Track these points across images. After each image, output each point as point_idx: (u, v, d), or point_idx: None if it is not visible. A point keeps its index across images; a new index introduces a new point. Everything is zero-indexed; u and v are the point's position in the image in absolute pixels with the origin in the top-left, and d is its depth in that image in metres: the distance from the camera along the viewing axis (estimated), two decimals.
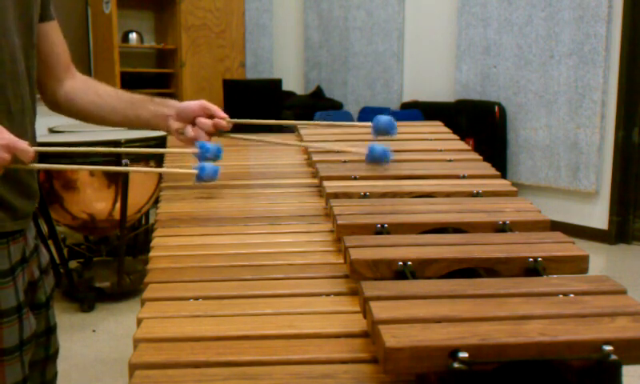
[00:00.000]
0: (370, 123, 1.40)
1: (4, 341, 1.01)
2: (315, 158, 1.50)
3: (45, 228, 3.06)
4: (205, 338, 0.79)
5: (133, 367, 0.73)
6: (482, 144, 4.55)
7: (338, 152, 1.51)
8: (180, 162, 1.60)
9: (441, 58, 5.11)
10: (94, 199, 3.02)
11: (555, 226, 1.06)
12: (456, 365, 0.63)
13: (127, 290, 3.24)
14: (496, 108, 4.57)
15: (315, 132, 1.82)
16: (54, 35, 1.20)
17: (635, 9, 4.02)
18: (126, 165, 2.89)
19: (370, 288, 0.78)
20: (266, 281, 0.97)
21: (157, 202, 1.38)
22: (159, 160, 2.73)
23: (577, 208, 4.35)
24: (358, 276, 0.89)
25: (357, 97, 5.74)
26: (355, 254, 0.91)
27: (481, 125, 4.62)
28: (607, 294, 0.79)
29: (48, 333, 1.17)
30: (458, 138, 1.69)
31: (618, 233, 4.21)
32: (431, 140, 1.68)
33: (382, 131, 1.39)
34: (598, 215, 4.26)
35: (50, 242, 3.08)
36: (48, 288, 1.18)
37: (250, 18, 6.15)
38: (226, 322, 0.83)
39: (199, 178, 1.27)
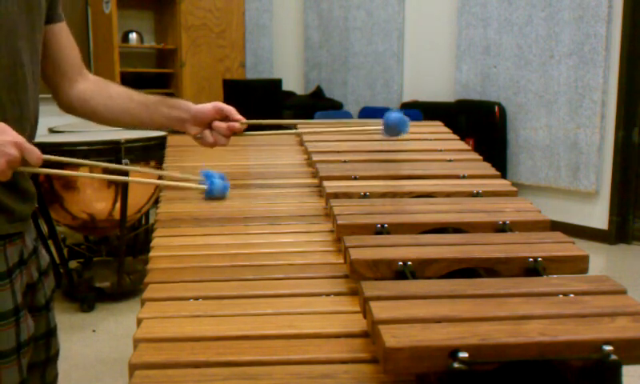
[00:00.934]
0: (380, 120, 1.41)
1: (0, 344, 1.01)
2: (315, 158, 1.50)
3: (45, 228, 3.06)
4: (205, 338, 0.79)
5: (133, 367, 0.73)
6: (482, 144, 4.55)
7: (354, 131, 1.51)
8: (180, 161, 1.60)
9: (441, 58, 5.11)
10: (94, 199, 3.01)
11: (555, 226, 1.06)
12: (456, 365, 0.63)
13: (127, 290, 3.24)
14: (496, 108, 4.57)
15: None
16: (64, 36, 1.19)
17: (635, 9, 4.02)
18: (126, 164, 2.89)
19: (370, 288, 0.78)
20: (266, 281, 0.98)
21: (157, 201, 1.38)
22: (159, 159, 2.72)
23: (577, 208, 4.35)
24: (357, 276, 0.89)
25: (357, 97, 5.74)
26: (355, 254, 0.91)
27: (481, 125, 4.61)
28: (607, 293, 0.79)
29: (48, 335, 1.17)
30: (458, 137, 1.70)
31: (618, 233, 4.21)
32: (431, 140, 1.68)
33: (393, 129, 1.39)
34: (597, 215, 4.26)
35: (50, 242, 3.08)
36: (48, 290, 1.17)
37: (250, 18, 6.15)
38: (226, 322, 0.83)
39: (209, 194, 1.26)
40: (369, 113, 5.42)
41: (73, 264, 3.44)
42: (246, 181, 1.48)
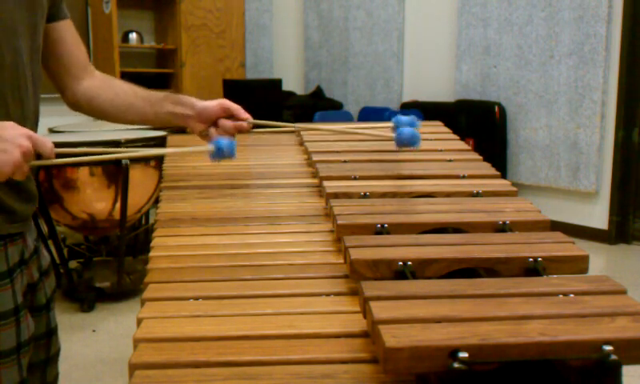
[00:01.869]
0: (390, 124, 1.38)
1: (0, 343, 1.01)
2: (315, 158, 1.50)
3: (45, 228, 3.06)
4: (205, 338, 0.79)
5: (133, 367, 0.73)
6: (482, 144, 4.55)
7: (364, 138, 1.51)
8: (180, 161, 1.60)
9: (441, 58, 5.11)
10: (94, 199, 3.01)
11: (555, 226, 1.06)
12: (456, 365, 0.63)
13: (127, 289, 3.24)
14: (496, 108, 4.57)
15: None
16: (69, 34, 1.19)
17: (635, 9, 4.02)
18: (126, 165, 2.89)
19: (370, 288, 0.78)
20: (266, 281, 0.98)
21: (157, 201, 1.38)
22: (159, 159, 2.72)
23: (577, 208, 4.35)
24: (357, 276, 0.89)
25: (357, 97, 5.74)
26: (355, 254, 0.91)
27: (481, 125, 4.61)
28: (607, 294, 0.79)
29: (49, 335, 1.17)
30: (458, 137, 1.70)
31: (618, 233, 4.21)
32: (431, 140, 1.68)
33: (404, 143, 1.35)
34: (597, 215, 4.26)
35: (50, 242, 3.08)
36: (48, 290, 1.17)
37: (249, 18, 6.15)
38: (226, 322, 0.83)
39: (216, 155, 1.22)
40: (369, 113, 5.42)
41: (73, 264, 3.44)
42: (246, 181, 1.48)
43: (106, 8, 5.14)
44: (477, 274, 0.92)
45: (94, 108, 1.24)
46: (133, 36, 5.69)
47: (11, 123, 0.92)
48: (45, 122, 1.15)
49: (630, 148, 4.15)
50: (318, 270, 1.01)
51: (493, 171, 1.44)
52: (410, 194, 1.28)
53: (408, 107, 5.19)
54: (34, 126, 1.09)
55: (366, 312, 0.75)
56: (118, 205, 3.02)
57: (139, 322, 0.83)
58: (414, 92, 5.31)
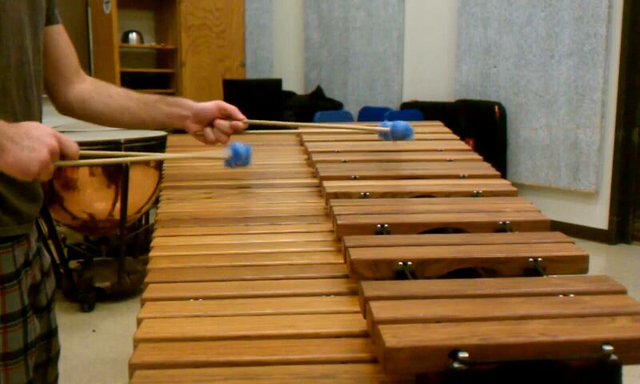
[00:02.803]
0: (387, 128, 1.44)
1: (8, 345, 1.01)
2: (315, 158, 1.50)
3: (45, 228, 3.06)
4: (205, 338, 0.79)
5: (133, 367, 0.73)
6: (482, 144, 4.55)
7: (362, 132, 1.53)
8: (180, 161, 1.60)
9: (441, 58, 5.11)
10: (94, 199, 3.01)
11: (555, 226, 1.06)
12: (456, 365, 0.63)
13: (127, 289, 3.24)
14: (496, 108, 4.57)
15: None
16: (61, 38, 1.19)
17: (635, 9, 4.02)
18: (126, 165, 2.89)
19: (369, 288, 0.78)
20: (266, 281, 0.97)
21: (157, 202, 1.38)
22: (159, 160, 2.72)
23: (577, 208, 4.35)
24: (357, 276, 0.89)
25: (357, 97, 5.74)
26: (355, 253, 0.91)
27: (481, 125, 4.61)
28: (607, 293, 0.79)
29: (49, 336, 1.17)
30: (458, 138, 1.69)
31: (618, 233, 4.21)
32: (431, 140, 1.68)
33: (398, 135, 1.41)
34: (597, 215, 4.26)
35: (50, 242, 3.08)
36: (49, 291, 1.17)
37: (249, 18, 6.15)
38: (226, 322, 0.83)
39: (233, 162, 1.23)
40: (369, 113, 5.42)
41: (73, 264, 3.44)
42: (246, 181, 1.48)
43: (106, 8, 5.14)
44: (477, 274, 0.92)
45: (87, 111, 1.24)
46: (133, 36, 5.69)
47: (36, 123, 0.93)
48: (45, 122, 1.15)
49: (630, 148, 4.15)
50: (318, 270, 1.01)
51: (493, 171, 1.44)
52: (410, 193, 1.28)
53: (408, 107, 5.19)
54: None
55: (366, 312, 0.75)
56: (118, 205, 3.02)
57: (139, 322, 0.83)
58: (414, 92, 5.31)
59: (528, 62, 4.47)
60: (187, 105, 1.27)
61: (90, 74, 1.32)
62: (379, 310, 0.71)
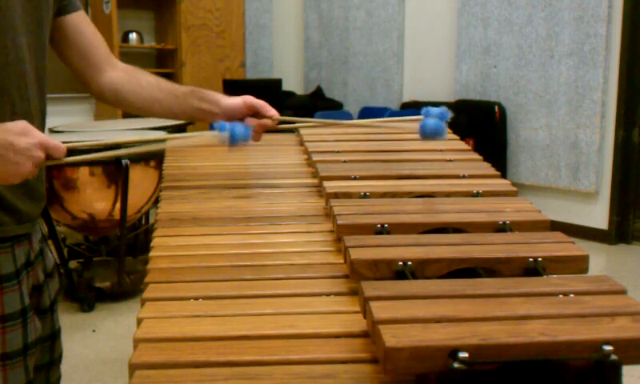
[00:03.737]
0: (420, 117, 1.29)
1: (7, 345, 1.00)
2: (315, 158, 1.50)
3: (45, 228, 3.06)
4: (205, 338, 0.79)
5: (133, 367, 0.73)
6: (482, 144, 4.55)
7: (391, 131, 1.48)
8: (180, 161, 1.60)
9: (441, 57, 5.11)
10: (94, 199, 3.01)
11: (555, 226, 1.06)
12: (456, 365, 0.63)
13: (127, 290, 3.24)
14: (496, 108, 4.57)
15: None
16: (84, 25, 1.18)
17: (635, 9, 4.02)
18: (126, 165, 2.89)
19: (369, 288, 0.78)
20: (266, 281, 0.98)
21: (157, 201, 1.38)
22: (159, 159, 2.72)
23: (577, 208, 4.35)
24: (357, 276, 0.89)
25: (357, 97, 5.73)
26: (355, 253, 0.91)
27: (481, 125, 4.61)
28: (607, 293, 0.79)
29: (53, 337, 1.16)
30: (458, 138, 1.69)
31: (618, 233, 4.20)
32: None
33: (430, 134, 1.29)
34: (598, 215, 4.26)
35: (50, 242, 3.08)
36: (52, 292, 1.16)
37: (249, 18, 6.15)
38: (226, 322, 0.83)
39: (232, 141, 1.18)
40: (369, 113, 5.42)
41: (73, 264, 3.44)
42: (246, 181, 1.48)
43: (106, 8, 5.14)
44: (477, 274, 0.92)
45: (120, 100, 1.22)
46: (133, 36, 5.69)
47: (23, 125, 0.92)
48: (46, 122, 1.15)
49: (630, 148, 4.15)
50: (318, 270, 1.01)
51: (493, 171, 1.44)
52: (410, 193, 1.28)
53: (408, 107, 5.19)
54: (40, 124, 1.09)
55: (366, 312, 0.75)
56: (118, 205, 3.02)
57: (139, 322, 0.83)
58: (414, 92, 5.31)
59: (528, 62, 4.47)
60: (216, 101, 1.23)
61: None
62: (379, 310, 0.71)
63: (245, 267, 1.02)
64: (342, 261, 1.00)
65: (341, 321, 0.83)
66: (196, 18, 5.65)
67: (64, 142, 0.96)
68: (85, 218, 3.08)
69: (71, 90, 4.74)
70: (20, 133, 0.90)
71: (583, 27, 4.13)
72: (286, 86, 5.93)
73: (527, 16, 4.45)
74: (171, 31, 5.71)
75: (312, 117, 5.13)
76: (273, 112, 1.23)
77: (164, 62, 5.91)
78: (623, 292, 0.79)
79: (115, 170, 2.95)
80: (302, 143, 1.70)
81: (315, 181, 1.43)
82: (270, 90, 5.55)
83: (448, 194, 1.28)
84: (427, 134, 1.24)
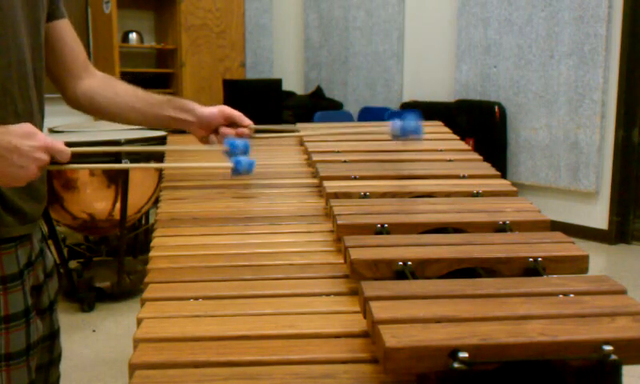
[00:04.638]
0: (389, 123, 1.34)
1: (10, 345, 1.00)
2: (315, 158, 1.50)
3: (45, 228, 3.06)
4: (205, 338, 0.79)
5: (133, 367, 0.73)
6: (482, 144, 4.55)
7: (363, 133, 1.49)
8: (180, 161, 1.60)
9: (441, 58, 5.11)
10: (94, 199, 3.01)
11: (555, 226, 1.06)
12: (456, 365, 0.63)
13: (127, 289, 3.24)
14: (496, 108, 4.57)
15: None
16: (67, 33, 1.18)
17: (635, 9, 4.02)
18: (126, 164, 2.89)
19: (369, 288, 0.78)
20: (266, 281, 0.97)
21: (157, 202, 1.38)
22: (159, 159, 2.72)
23: (577, 208, 4.35)
24: (358, 276, 0.89)
25: (357, 97, 5.74)
26: (355, 253, 0.91)
27: (481, 125, 4.61)
28: (607, 293, 0.79)
29: (52, 337, 1.16)
30: (458, 138, 1.69)
31: (618, 233, 4.21)
32: (431, 140, 1.68)
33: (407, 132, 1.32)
34: (598, 215, 4.26)
35: (50, 242, 3.08)
36: (52, 292, 1.17)
37: (249, 18, 6.15)
38: (226, 322, 0.83)
39: (236, 171, 1.21)
40: (369, 113, 5.42)
41: (73, 264, 3.44)
42: (245, 181, 1.48)
43: (106, 8, 5.14)
44: (477, 274, 0.92)
45: (94, 107, 1.24)
46: (133, 36, 5.69)
47: (28, 128, 0.92)
48: (45, 122, 1.15)
49: (630, 148, 4.15)
50: (318, 270, 1.01)
51: (493, 171, 1.44)
52: (410, 193, 1.28)
53: (408, 107, 5.19)
54: (40, 124, 1.09)
55: (366, 312, 0.75)
56: (118, 205, 3.02)
57: (139, 321, 0.83)
58: (414, 92, 5.31)
59: (528, 62, 4.47)
60: (192, 111, 1.25)
61: None
62: (379, 310, 0.71)
63: (244, 267, 1.02)
64: (342, 261, 1.00)
65: (341, 321, 0.83)
66: (196, 17, 5.65)
67: (67, 143, 0.96)
68: (85, 218, 3.08)
69: None
70: (25, 136, 0.91)
71: (583, 27, 4.13)
72: (286, 86, 5.93)
73: (527, 16, 4.45)
74: (171, 31, 5.71)
75: (312, 117, 5.13)
76: (248, 122, 1.27)
77: (164, 62, 5.91)
78: (623, 292, 0.79)
79: (115, 171, 2.95)
80: (302, 143, 1.70)
81: (315, 181, 1.43)
82: (269, 90, 5.55)
83: (448, 194, 1.28)
84: (405, 131, 1.29)
